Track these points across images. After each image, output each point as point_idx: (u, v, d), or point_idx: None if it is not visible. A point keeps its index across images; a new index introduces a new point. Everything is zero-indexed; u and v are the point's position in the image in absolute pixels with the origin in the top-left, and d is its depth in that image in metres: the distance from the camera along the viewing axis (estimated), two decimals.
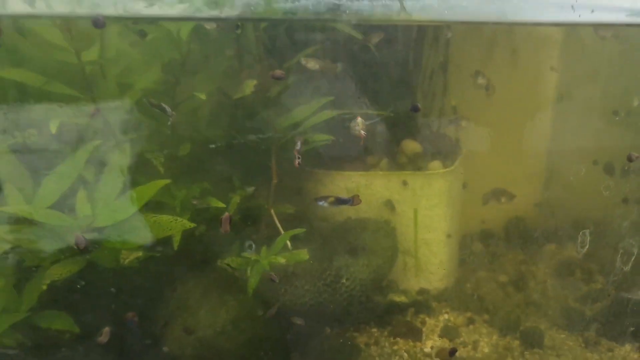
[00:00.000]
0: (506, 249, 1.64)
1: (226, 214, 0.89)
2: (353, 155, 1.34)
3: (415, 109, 1.13)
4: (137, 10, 0.71)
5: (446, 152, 1.39)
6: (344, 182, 1.31)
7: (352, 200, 0.99)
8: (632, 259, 1.20)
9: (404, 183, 1.32)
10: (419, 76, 1.35)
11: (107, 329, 0.90)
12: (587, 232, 1.21)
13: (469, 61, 1.40)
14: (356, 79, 1.15)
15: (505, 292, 1.47)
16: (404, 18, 0.77)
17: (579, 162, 1.50)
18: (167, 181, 0.98)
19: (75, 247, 0.84)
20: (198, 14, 0.72)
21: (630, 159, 1.06)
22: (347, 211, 1.29)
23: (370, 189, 1.31)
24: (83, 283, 0.94)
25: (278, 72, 0.90)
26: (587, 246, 1.23)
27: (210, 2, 0.71)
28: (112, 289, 0.96)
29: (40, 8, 0.66)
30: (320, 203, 0.99)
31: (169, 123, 1.02)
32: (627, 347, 1.29)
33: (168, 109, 0.98)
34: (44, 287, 0.90)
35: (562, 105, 1.48)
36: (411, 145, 1.38)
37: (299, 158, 1.05)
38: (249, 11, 0.73)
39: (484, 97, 1.34)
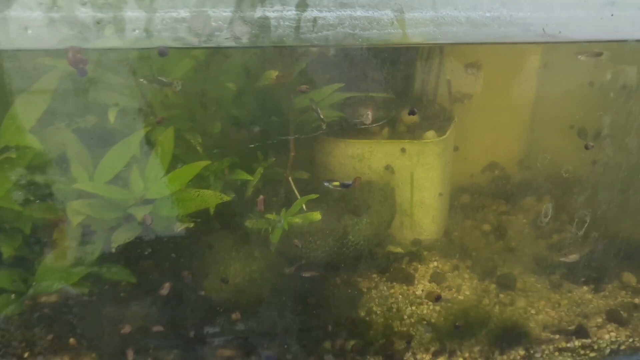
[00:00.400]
0: (491, 201, 1.86)
1: (261, 196, 1.09)
2: (358, 125, 1.52)
3: (412, 113, 1.31)
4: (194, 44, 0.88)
5: (440, 121, 1.57)
6: (351, 150, 1.50)
7: (353, 183, 1.19)
8: (587, 223, 1.42)
9: (403, 150, 1.51)
10: (417, 55, 1.51)
11: (167, 284, 1.13)
12: (550, 205, 1.42)
13: None
14: (367, 65, 1.32)
15: (487, 241, 1.70)
16: (405, 42, 0.94)
17: (557, 127, 1.70)
18: (208, 162, 1.18)
19: (144, 223, 1.05)
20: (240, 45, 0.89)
21: (586, 147, 1.25)
22: (354, 175, 1.49)
23: (373, 155, 1.51)
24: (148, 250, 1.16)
25: (303, 87, 1.07)
26: (549, 217, 1.45)
27: (252, 36, 0.88)
28: (171, 254, 1.19)
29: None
30: (326, 184, 1.20)
31: (178, 89, 1.16)
32: (584, 289, 1.55)
33: (165, 80, 1.14)
34: (113, 250, 1.12)
35: (543, 75, 1.64)
36: (409, 116, 1.56)
37: (323, 122, 1.25)
38: (281, 41, 0.90)
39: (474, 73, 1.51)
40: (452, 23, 0.94)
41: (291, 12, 0.88)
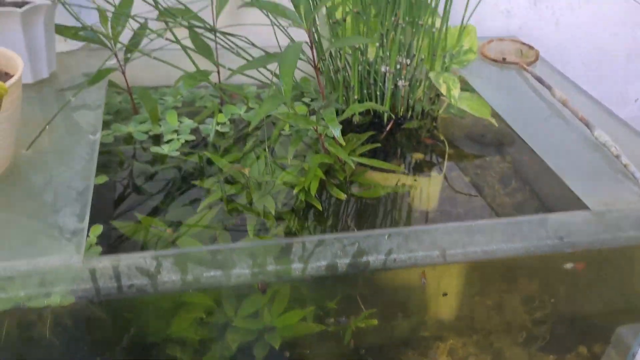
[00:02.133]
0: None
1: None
2: None
3: None
4: None
5: None
6: None
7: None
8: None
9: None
10: None
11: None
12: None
13: None
14: None
15: (489, 316, 2.39)
16: (443, 263, 1.59)
17: None
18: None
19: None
20: None
21: None
22: None
23: None
24: None
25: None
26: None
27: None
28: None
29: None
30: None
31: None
32: (551, 357, 2.25)
33: None
34: None
35: None
36: None
37: None
38: (375, 269, 1.56)
39: None
40: (472, 254, 1.60)
41: (382, 256, 1.54)
